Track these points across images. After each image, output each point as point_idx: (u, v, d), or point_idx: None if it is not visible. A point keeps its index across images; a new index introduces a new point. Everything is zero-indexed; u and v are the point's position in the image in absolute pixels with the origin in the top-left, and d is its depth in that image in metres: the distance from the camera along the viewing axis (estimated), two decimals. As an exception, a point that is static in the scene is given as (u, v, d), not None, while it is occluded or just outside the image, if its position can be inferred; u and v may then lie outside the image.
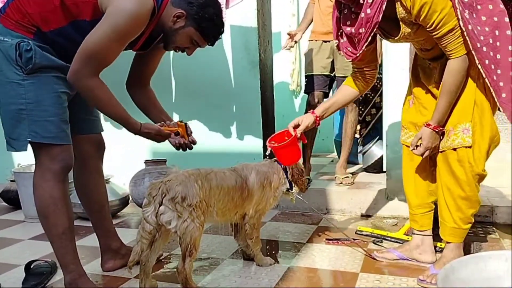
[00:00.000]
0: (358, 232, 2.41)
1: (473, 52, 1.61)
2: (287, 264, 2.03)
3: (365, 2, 1.63)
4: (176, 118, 3.29)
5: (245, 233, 1.98)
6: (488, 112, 1.72)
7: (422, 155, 1.80)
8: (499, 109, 1.72)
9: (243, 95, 3.12)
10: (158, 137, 1.78)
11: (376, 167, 3.44)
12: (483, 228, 2.47)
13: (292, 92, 5.27)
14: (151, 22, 1.69)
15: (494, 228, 2.45)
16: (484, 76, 1.64)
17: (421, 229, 1.98)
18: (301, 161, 2.08)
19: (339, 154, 3.69)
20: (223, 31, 1.83)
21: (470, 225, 1.81)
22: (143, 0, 1.60)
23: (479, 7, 1.65)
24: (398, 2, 1.61)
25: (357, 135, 3.92)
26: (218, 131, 3.24)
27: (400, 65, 2.72)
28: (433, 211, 1.97)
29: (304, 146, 3.24)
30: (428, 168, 1.93)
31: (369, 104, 4.02)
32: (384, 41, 2.18)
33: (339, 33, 1.85)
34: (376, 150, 3.46)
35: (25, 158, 2.83)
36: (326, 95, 3.26)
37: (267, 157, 2.10)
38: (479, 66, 1.63)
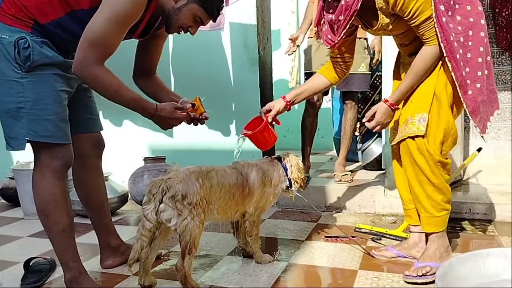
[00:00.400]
0: (357, 229, 2.41)
1: (442, 44, 1.65)
2: (286, 261, 2.04)
3: None
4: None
5: (245, 230, 1.98)
6: (446, 105, 1.75)
7: (373, 128, 1.85)
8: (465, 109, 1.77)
9: (242, 92, 3.12)
10: (176, 115, 1.76)
11: (375, 165, 3.45)
12: (481, 225, 2.47)
13: (291, 90, 5.26)
14: (150, 5, 1.67)
15: (493, 226, 2.46)
16: (451, 70, 1.67)
17: (416, 223, 1.99)
18: (300, 159, 2.09)
19: (338, 151, 3.69)
20: (223, 6, 1.82)
21: (446, 212, 1.82)
22: None
23: (457, 6, 1.70)
24: None
25: (356, 133, 3.93)
26: (218, 129, 3.24)
27: (400, 63, 2.71)
28: None
29: (304, 143, 3.24)
30: None
31: (369, 102, 4.02)
32: (384, 40, 2.19)
33: (321, 21, 1.90)
34: (375, 148, 3.46)
35: (24, 156, 2.83)
36: (325, 93, 3.26)
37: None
38: (446, 60, 1.66)
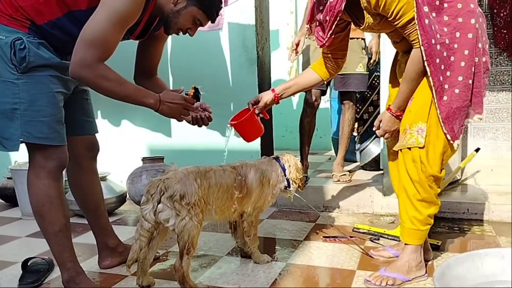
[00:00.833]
0: (355, 229, 2.42)
1: (422, 47, 1.60)
2: (285, 262, 2.04)
3: None
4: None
5: (243, 230, 1.98)
6: None
7: (382, 136, 1.85)
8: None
9: (241, 92, 3.11)
10: (179, 99, 1.72)
11: (373, 165, 3.45)
12: (479, 225, 2.48)
13: (290, 90, 5.27)
14: (148, 6, 1.66)
15: (490, 226, 2.46)
16: (429, 74, 1.63)
17: None
18: (298, 159, 2.09)
19: (336, 151, 3.70)
20: (222, 7, 1.82)
21: (429, 226, 1.78)
22: None
23: (445, 5, 1.64)
24: None
25: (354, 133, 3.93)
26: (216, 129, 3.24)
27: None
28: None
29: (302, 143, 3.24)
30: None
31: (367, 102, 4.02)
32: (382, 40, 2.20)
33: (314, 19, 1.88)
34: (374, 148, 3.47)
35: (22, 156, 2.82)
36: (323, 93, 3.26)
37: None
38: (425, 64, 1.62)
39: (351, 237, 2.28)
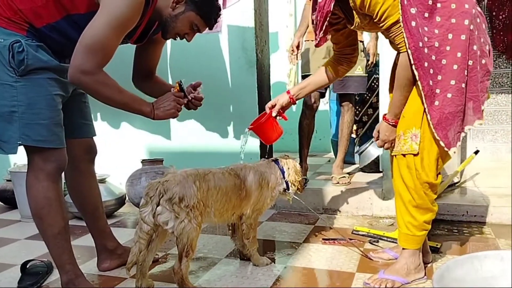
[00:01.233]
0: (354, 232, 2.41)
1: (409, 51, 1.57)
2: (284, 264, 2.04)
3: None
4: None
5: (242, 233, 1.98)
6: None
7: (381, 147, 1.82)
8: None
9: (240, 94, 3.12)
10: (170, 96, 1.73)
11: (372, 167, 3.45)
12: (479, 228, 2.48)
13: (289, 92, 5.27)
14: (147, 11, 1.67)
15: (490, 228, 2.46)
16: (417, 78, 1.59)
17: None
18: (298, 161, 2.09)
19: (336, 154, 3.70)
20: (220, 14, 1.83)
21: (425, 232, 1.77)
22: None
23: (439, 5, 1.59)
24: None
25: (353, 135, 3.93)
26: (215, 131, 3.24)
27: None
28: None
29: (301, 146, 3.24)
30: None
31: (366, 104, 4.03)
32: (380, 42, 2.19)
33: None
34: (373, 150, 3.47)
35: (21, 158, 2.83)
36: (322, 95, 3.27)
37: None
38: (413, 68, 1.58)
39: (350, 239, 2.28)
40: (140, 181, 2.95)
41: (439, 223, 2.54)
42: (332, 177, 3.17)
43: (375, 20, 1.63)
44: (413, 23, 1.55)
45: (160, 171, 2.95)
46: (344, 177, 3.13)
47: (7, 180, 3.23)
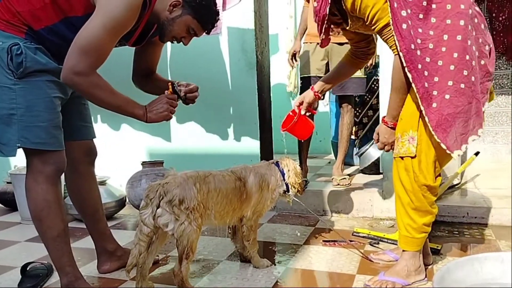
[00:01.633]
0: (354, 233, 2.41)
1: (401, 53, 1.56)
2: (284, 266, 2.03)
3: None
4: (173, 118, 3.29)
5: (242, 235, 1.98)
6: None
7: (381, 149, 1.84)
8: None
9: (240, 96, 3.12)
10: (163, 98, 1.73)
11: (373, 169, 3.45)
12: (479, 229, 2.47)
13: (289, 94, 5.29)
14: (144, 13, 1.67)
15: (490, 230, 2.46)
16: (411, 80, 1.58)
17: None
18: (298, 163, 2.10)
19: (336, 155, 3.70)
20: (218, 19, 1.83)
21: (425, 235, 1.76)
22: None
23: (434, 6, 1.58)
24: None
25: (353, 137, 3.93)
26: (215, 133, 3.24)
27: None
28: None
29: (301, 148, 3.24)
30: None
31: (366, 106, 4.03)
32: (379, 43, 2.19)
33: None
34: (373, 152, 3.47)
35: (21, 160, 2.83)
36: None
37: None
38: (406, 70, 1.57)
39: (350, 241, 2.28)
40: (141, 183, 2.95)
41: (440, 224, 2.54)
42: (332, 179, 3.17)
43: (366, 23, 1.64)
44: (404, 26, 1.55)
45: (160, 173, 2.95)
46: (344, 178, 3.13)
47: (8, 182, 3.23)
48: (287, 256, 2.16)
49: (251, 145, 3.11)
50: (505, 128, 3.82)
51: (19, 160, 3.01)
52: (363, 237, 2.36)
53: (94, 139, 2.00)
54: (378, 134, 1.83)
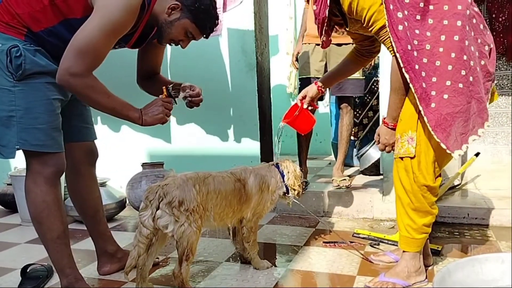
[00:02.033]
0: (355, 234, 2.41)
1: (398, 54, 1.57)
2: (284, 267, 2.03)
3: None
4: (173, 120, 3.30)
5: (242, 236, 1.98)
6: None
7: (383, 150, 1.84)
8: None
9: (240, 97, 3.12)
10: (158, 101, 1.72)
11: (373, 170, 3.45)
12: (480, 230, 2.47)
13: (289, 95, 5.29)
14: (143, 16, 1.66)
15: (491, 231, 2.45)
16: (409, 81, 1.58)
17: None
18: (298, 165, 2.10)
19: (336, 156, 3.70)
20: (218, 23, 1.82)
21: (425, 235, 1.76)
22: None
23: (431, 7, 1.59)
24: None
25: (354, 138, 3.93)
26: (215, 134, 3.24)
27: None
28: None
29: (301, 149, 3.24)
30: None
31: (366, 106, 4.03)
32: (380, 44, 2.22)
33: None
34: (373, 153, 3.46)
35: (21, 162, 2.83)
36: (321, 98, 3.26)
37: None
38: (404, 71, 1.57)
39: (351, 242, 2.28)
40: (141, 185, 2.95)
41: (440, 225, 2.54)
42: (332, 180, 3.16)
43: (364, 25, 1.65)
44: (400, 27, 1.55)
45: (160, 174, 2.95)
46: (344, 179, 3.13)
47: (8, 184, 3.23)
48: (287, 258, 2.15)
49: (251, 146, 3.11)
50: (506, 129, 3.81)
51: (19, 161, 3.02)
52: (364, 238, 2.36)
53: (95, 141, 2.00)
54: (379, 135, 1.83)
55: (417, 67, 1.58)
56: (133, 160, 3.27)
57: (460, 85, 1.58)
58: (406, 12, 1.57)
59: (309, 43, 3.16)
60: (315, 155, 4.77)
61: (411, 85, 1.59)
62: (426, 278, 1.80)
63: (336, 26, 1.87)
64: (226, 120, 3.20)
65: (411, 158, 1.67)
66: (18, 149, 1.61)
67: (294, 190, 2.01)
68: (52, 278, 1.98)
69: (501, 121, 3.83)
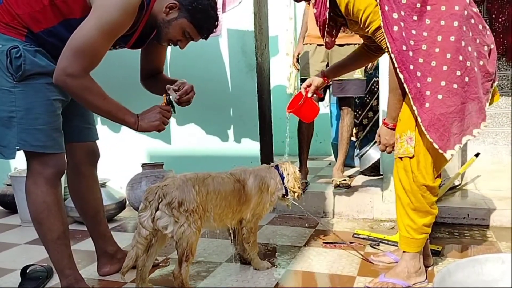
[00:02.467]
0: (355, 235, 2.41)
1: (393, 55, 1.58)
2: (284, 268, 2.03)
3: (312, 1, 1.72)
4: (173, 120, 3.29)
5: (242, 237, 1.98)
6: None
7: (383, 151, 1.84)
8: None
9: (240, 98, 3.12)
10: (155, 108, 1.72)
11: (373, 170, 3.45)
12: (480, 231, 2.47)
13: (289, 96, 5.28)
14: (142, 16, 1.66)
15: (491, 231, 2.45)
16: (403, 81, 1.59)
17: None
18: (298, 165, 2.10)
19: (336, 157, 3.70)
20: (217, 25, 1.81)
21: (425, 236, 1.76)
22: None
23: (428, 7, 1.59)
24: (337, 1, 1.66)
25: (354, 138, 3.93)
26: (215, 135, 3.24)
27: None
28: None
29: (301, 150, 3.24)
30: None
31: (366, 107, 4.03)
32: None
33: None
34: (373, 153, 3.46)
35: (21, 162, 2.83)
36: (321, 99, 3.27)
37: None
38: (398, 71, 1.58)
39: (351, 242, 2.27)
40: (141, 185, 2.95)
41: (440, 226, 2.53)
42: (332, 180, 3.16)
43: (361, 26, 1.66)
44: (395, 28, 1.56)
45: (160, 175, 2.95)
46: (344, 180, 3.12)
47: (8, 185, 3.23)
48: (287, 258, 2.15)
49: (251, 147, 3.11)
50: (506, 129, 3.81)
51: (19, 162, 3.01)
52: (364, 238, 2.36)
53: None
54: (379, 135, 1.83)
55: (412, 67, 1.58)
56: (133, 161, 3.27)
57: (455, 86, 1.59)
58: (402, 13, 1.58)
59: (310, 44, 3.16)
60: (315, 155, 4.77)
61: (405, 85, 1.60)
62: (426, 278, 1.80)
63: (342, 27, 1.88)
64: (226, 120, 3.20)
65: (410, 158, 1.68)
66: (18, 149, 1.61)
67: (294, 192, 2.01)
68: (52, 279, 1.98)
69: (501, 121, 3.83)
